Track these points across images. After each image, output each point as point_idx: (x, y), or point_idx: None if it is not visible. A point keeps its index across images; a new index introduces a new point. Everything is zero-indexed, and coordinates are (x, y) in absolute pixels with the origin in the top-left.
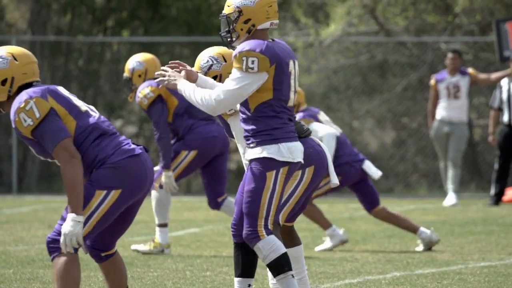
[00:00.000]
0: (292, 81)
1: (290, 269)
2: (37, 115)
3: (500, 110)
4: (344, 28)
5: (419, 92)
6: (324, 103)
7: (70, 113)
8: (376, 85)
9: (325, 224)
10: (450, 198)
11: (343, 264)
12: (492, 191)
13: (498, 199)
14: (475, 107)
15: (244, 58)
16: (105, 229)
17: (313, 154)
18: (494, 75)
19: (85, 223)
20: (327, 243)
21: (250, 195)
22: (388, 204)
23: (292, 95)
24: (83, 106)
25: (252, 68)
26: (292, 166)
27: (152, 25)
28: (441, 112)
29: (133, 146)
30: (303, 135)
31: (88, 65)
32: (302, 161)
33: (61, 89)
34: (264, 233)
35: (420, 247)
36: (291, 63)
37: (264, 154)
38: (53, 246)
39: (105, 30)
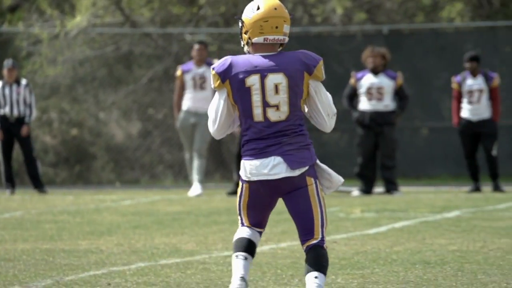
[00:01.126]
0: (255, 97)
1: (237, 250)
2: None
3: None
4: (89, 19)
5: (165, 83)
6: (70, 94)
7: None
8: (122, 76)
9: None
10: (195, 189)
11: (88, 256)
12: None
13: None
14: None
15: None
16: None
17: None
18: None
19: None
20: None
21: None
22: (135, 195)
23: (257, 111)
24: None
25: (212, 85)
26: (247, 184)
27: None
28: (187, 103)
29: None
30: None
31: None
32: (256, 178)
33: None
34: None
35: None
36: (252, 77)
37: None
38: None
39: None
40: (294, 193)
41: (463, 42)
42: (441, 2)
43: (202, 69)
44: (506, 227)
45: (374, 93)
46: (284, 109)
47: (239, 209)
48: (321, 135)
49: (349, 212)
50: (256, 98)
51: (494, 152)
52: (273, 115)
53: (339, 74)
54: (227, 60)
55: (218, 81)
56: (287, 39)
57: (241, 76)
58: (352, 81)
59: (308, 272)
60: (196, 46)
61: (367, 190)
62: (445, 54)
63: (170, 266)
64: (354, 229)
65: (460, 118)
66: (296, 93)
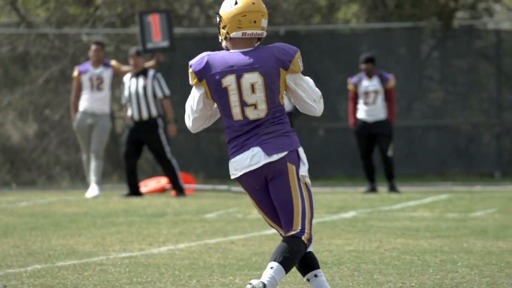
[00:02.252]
0: (233, 97)
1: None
2: None
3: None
4: None
5: (61, 84)
6: None
7: None
8: (18, 77)
9: None
10: (92, 190)
11: None
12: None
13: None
14: (117, 99)
15: None
16: None
17: None
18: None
19: None
20: None
21: None
22: (31, 196)
23: (235, 110)
24: None
25: (190, 81)
26: (239, 182)
27: None
28: (84, 103)
29: None
30: None
31: None
32: (241, 173)
33: None
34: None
35: None
36: (228, 78)
37: None
38: None
39: None
40: (275, 180)
41: (359, 43)
42: (337, 3)
43: (99, 70)
44: (401, 227)
45: None
46: (262, 107)
47: (267, 220)
48: (218, 136)
49: (247, 212)
50: (233, 98)
51: (390, 152)
52: (252, 114)
53: None
54: (203, 58)
55: (195, 80)
56: (265, 33)
57: (217, 77)
58: None
59: (270, 261)
60: (93, 47)
61: None
62: (341, 56)
63: (67, 267)
64: (252, 230)
65: (356, 119)
66: (272, 90)
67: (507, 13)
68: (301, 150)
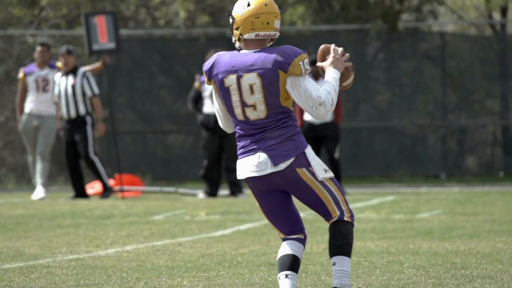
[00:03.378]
0: (234, 97)
1: (281, 270)
2: None
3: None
4: None
5: (6, 86)
6: None
7: None
8: None
9: None
10: (39, 192)
11: None
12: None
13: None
14: None
15: None
16: None
17: None
18: (84, 68)
19: None
20: None
21: None
22: None
23: (237, 110)
24: None
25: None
26: (246, 182)
27: None
28: (29, 105)
29: None
30: None
31: None
32: (246, 176)
33: None
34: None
35: None
36: (230, 78)
37: None
38: None
39: None
40: (292, 185)
41: (305, 45)
42: (283, 5)
43: (44, 72)
44: None
45: None
46: (261, 108)
47: (268, 221)
48: (165, 138)
49: (195, 214)
50: (235, 98)
51: (337, 154)
52: (252, 115)
53: (183, 77)
54: (213, 58)
55: (207, 79)
56: (278, 34)
57: (220, 76)
58: (196, 84)
59: (331, 257)
60: (38, 48)
61: (212, 192)
62: None
63: (14, 270)
64: (200, 232)
65: (303, 121)
66: (271, 92)
67: (452, 16)
68: (308, 151)
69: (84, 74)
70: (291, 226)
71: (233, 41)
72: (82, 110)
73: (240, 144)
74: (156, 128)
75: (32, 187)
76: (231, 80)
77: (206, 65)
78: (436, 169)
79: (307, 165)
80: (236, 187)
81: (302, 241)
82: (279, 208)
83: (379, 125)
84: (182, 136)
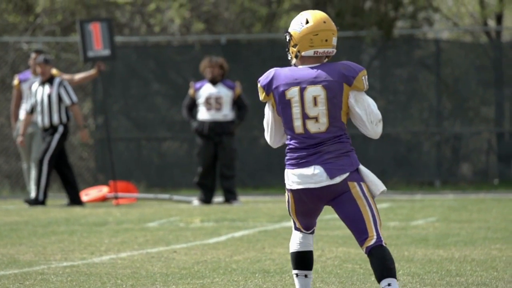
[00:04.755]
0: (295, 109)
1: (294, 268)
2: None
3: (32, 113)
4: None
5: (1, 93)
6: None
7: None
8: None
9: None
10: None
11: None
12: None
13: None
14: None
15: None
16: None
17: None
18: (77, 76)
19: None
20: None
21: None
22: None
23: (297, 123)
24: None
25: (260, 97)
26: (291, 192)
27: None
28: (24, 112)
29: None
30: None
31: None
32: (299, 187)
33: None
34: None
35: None
36: (292, 90)
37: None
38: None
39: None
40: (338, 199)
41: None
42: (278, 12)
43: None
44: (343, 236)
45: (213, 103)
46: (323, 120)
47: (290, 214)
48: (160, 145)
49: (189, 221)
50: (295, 110)
51: None
52: (313, 127)
53: (177, 84)
54: (271, 72)
55: (264, 94)
56: (335, 51)
57: (281, 88)
58: (191, 91)
59: (380, 280)
60: (33, 55)
61: (206, 199)
62: (283, 64)
63: (8, 277)
64: (194, 239)
65: None
66: (335, 104)
67: (446, 23)
68: (361, 168)
69: (61, 83)
70: (312, 224)
71: (289, 58)
72: (55, 119)
73: (292, 155)
74: (151, 135)
75: (26, 194)
76: (293, 92)
77: (263, 80)
78: (430, 176)
79: (360, 180)
80: (230, 194)
81: (314, 232)
82: (311, 216)
83: None
84: (177, 143)
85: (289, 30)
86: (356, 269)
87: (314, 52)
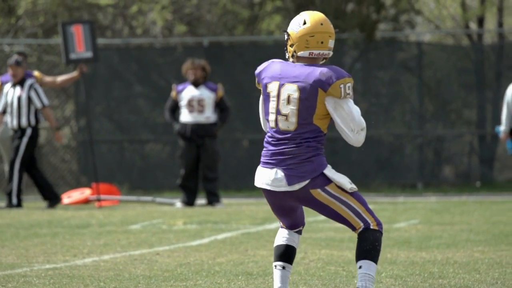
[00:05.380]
0: (272, 103)
1: (275, 260)
2: None
3: (4, 113)
4: None
5: None
6: None
7: None
8: None
9: None
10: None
11: None
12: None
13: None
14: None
15: None
16: None
17: None
18: (60, 78)
19: None
20: None
21: None
22: None
23: (272, 117)
24: None
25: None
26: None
27: None
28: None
29: None
30: None
31: None
32: (261, 186)
33: None
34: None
35: None
36: (273, 84)
37: None
38: None
39: None
40: (308, 203)
41: (282, 54)
42: (260, 15)
43: None
44: (326, 238)
45: (195, 105)
46: (293, 120)
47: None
48: (143, 147)
49: (172, 224)
50: (272, 105)
51: None
52: (283, 124)
53: (160, 86)
54: (266, 63)
55: (256, 82)
56: (331, 53)
57: (265, 81)
58: (173, 93)
59: (356, 262)
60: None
61: (189, 201)
62: None
63: None
64: (177, 241)
65: None
66: (306, 106)
67: (428, 25)
68: (328, 171)
69: (32, 86)
70: (294, 223)
71: (287, 57)
72: (24, 122)
73: (263, 152)
74: (133, 137)
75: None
76: (273, 86)
77: (258, 69)
78: (413, 179)
79: (323, 185)
80: (213, 196)
81: (300, 232)
82: (286, 214)
83: None
84: (159, 145)
85: (288, 29)
86: (339, 271)
87: (309, 53)
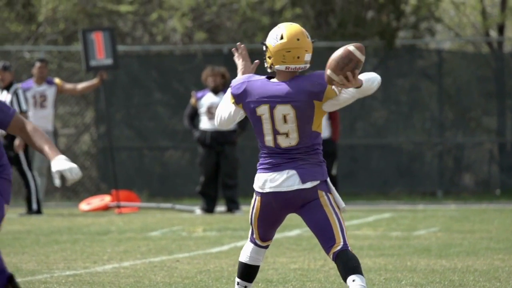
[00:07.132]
0: (266, 125)
1: (237, 276)
2: None
3: None
4: None
5: None
6: None
7: None
8: None
9: None
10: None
11: None
12: None
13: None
14: (59, 117)
15: None
16: None
17: None
18: (80, 85)
19: None
20: None
21: None
22: None
23: (268, 137)
24: None
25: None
26: (260, 196)
27: None
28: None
29: None
30: None
31: None
32: (268, 190)
33: None
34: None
35: None
36: (262, 108)
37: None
38: None
39: None
40: (307, 206)
41: None
42: (280, 22)
43: (42, 87)
44: None
45: (214, 112)
46: (294, 136)
47: (251, 222)
48: (162, 154)
49: (192, 231)
50: (266, 126)
51: (334, 171)
52: (283, 142)
53: (179, 94)
54: (243, 84)
55: (233, 100)
56: (308, 66)
57: (252, 105)
58: (192, 100)
59: (345, 278)
60: (37, 64)
61: (209, 209)
62: None
63: None
64: (197, 248)
65: None
66: (305, 122)
67: (449, 33)
68: (329, 181)
69: (15, 91)
70: (272, 235)
71: (266, 67)
72: None
73: (265, 160)
74: (153, 144)
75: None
76: (263, 109)
77: (235, 89)
78: (432, 187)
79: (327, 191)
80: (233, 203)
81: (267, 247)
82: (273, 225)
83: (375, 142)
84: (179, 152)
85: (266, 41)
86: None
87: (286, 68)
